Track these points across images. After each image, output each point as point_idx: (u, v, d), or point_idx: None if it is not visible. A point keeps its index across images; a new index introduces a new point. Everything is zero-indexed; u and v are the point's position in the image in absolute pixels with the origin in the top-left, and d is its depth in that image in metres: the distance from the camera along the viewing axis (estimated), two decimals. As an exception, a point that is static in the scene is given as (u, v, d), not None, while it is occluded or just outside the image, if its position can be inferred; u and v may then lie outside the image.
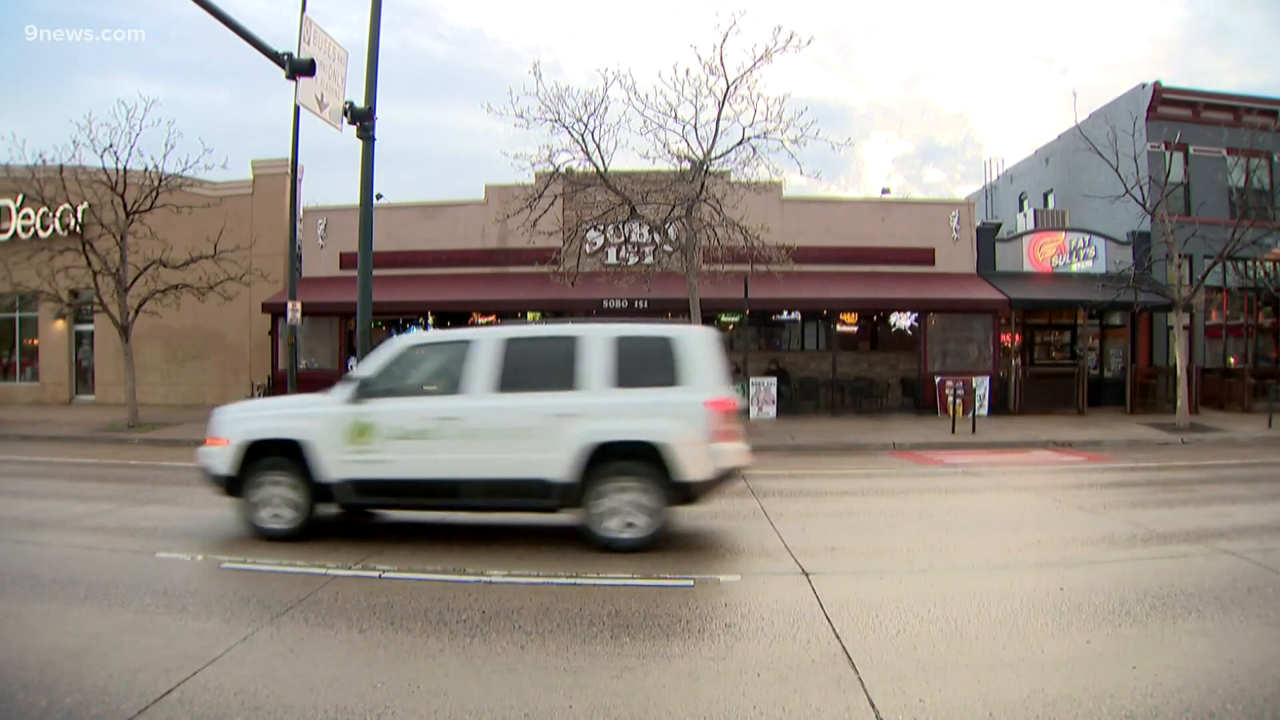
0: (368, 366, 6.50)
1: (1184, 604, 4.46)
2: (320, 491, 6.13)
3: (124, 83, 62.93)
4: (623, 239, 16.28)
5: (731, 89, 13.61)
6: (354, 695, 3.27)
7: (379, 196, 18.15)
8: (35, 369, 22.18)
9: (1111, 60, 76.23)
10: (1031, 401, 18.21)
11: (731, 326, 20.08)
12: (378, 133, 13.85)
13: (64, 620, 4.22)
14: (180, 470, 10.71)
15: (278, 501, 6.17)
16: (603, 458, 5.85)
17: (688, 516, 7.18)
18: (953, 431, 14.12)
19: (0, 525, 6.75)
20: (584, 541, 5.89)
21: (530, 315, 20.38)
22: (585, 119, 13.79)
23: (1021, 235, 20.26)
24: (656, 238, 15.04)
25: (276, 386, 17.99)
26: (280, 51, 11.68)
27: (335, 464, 6.06)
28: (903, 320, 19.68)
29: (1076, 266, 19.81)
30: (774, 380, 17.51)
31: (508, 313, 19.41)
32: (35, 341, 22.27)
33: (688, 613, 4.44)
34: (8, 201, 20.07)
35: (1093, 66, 77.63)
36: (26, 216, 20.26)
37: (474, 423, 6.01)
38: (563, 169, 14.33)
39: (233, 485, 6.28)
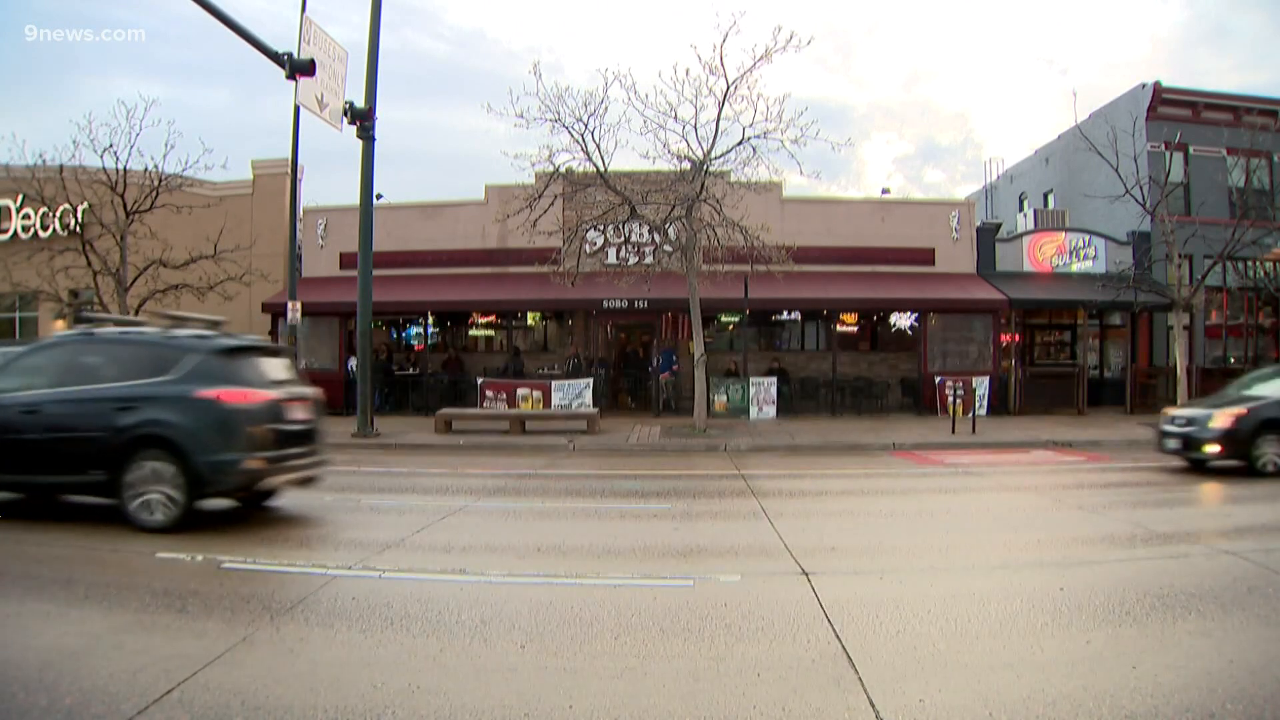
0: None
1: (1184, 604, 4.45)
2: None
3: (124, 83, 62.91)
4: (623, 239, 16.25)
5: (731, 89, 13.60)
6: (354, 695, 3.26)
7: (379, 196, 18.14)
8: (35, 369, 22.12)
9: (1112, 60, 76.28)
10: (1031, 401, 18.22)
11: (732, 326, 20.08)
12: (378, 133, 13.90)
13: (64, 620, 4.22)
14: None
15: None
16: None
17: (687, 517, 7.17)
18: (953, 431, 14.12)
19: None
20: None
21: (530, 315, 20.44)
22: (585, 119, 13.78)
23: (1021, 235, 20.25)
24: (656, 238, 15.03)
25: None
26: (280, 51, 11.69)
27: None
28: (903, 320, 19.67)
29: (1076, 266, 19.79)
30: (774, 380, 17.51)
31: (508, 313, 19.41)
32: (35, 341, 22.23)
33: (688, 613, 4.44)
34: (8, 201, 20.04)
35: (1093, 67, 77.68)
36: (26, 216, 20.22)
37: None
38: (563, 169, 14.31)
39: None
